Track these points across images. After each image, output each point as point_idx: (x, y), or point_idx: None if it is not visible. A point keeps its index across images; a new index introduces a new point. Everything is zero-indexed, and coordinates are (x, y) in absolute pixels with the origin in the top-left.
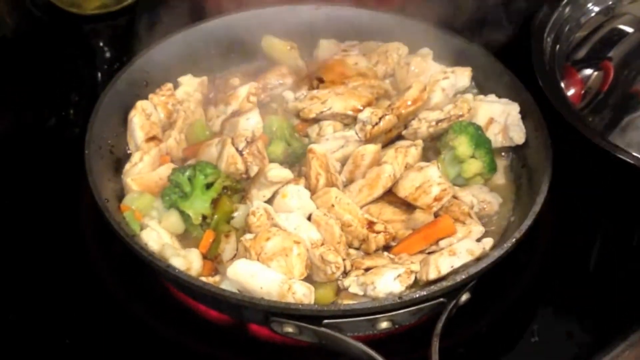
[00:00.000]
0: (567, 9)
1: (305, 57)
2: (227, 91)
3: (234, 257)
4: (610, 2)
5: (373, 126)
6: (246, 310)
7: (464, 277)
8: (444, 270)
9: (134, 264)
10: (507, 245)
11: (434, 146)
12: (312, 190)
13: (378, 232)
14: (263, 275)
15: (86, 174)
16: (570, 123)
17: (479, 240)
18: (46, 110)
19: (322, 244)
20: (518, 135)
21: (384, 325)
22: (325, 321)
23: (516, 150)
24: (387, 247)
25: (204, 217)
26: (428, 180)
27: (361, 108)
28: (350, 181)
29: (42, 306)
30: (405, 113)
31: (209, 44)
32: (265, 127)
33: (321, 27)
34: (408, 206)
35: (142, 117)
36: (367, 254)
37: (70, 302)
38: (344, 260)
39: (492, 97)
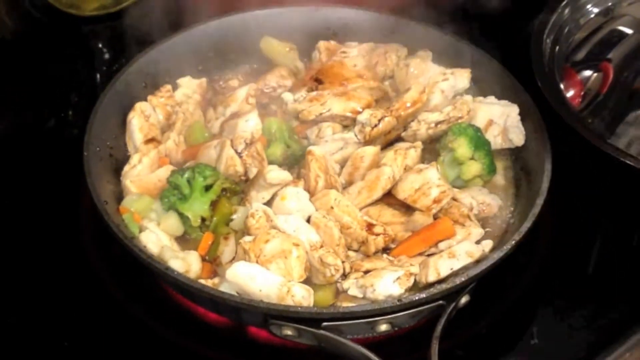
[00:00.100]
0: (567, 11)
1: (304, 58)
2: (226, 93)
3: (233, 260)
4: (609, 4)
5: (372, 128)
6: (245, 312)
7: (463, 279)
8: (444, 273)
9: (132, 266)
10: (507, 247)
11: (433, 148)
12: (311, 192)
13: (377, 234)
14: (262, 278)
15: (85, 176)
16: (570, 124)
17: (478, 242)
18: (45, 112)
19: (322, 246)
20: (517, 137)
21: (384, 327)
22: (325, 324)
23: (515, 152)
24: (386, 249)
25: (203, 219)
26: (427, 182)
27: (360, 110)
28: (349, 183)
29: (41, 308)
30: (405, 115)
31: (208, 46)
32: (264, 129)
33: (320, 28)
34: (407, 208)
35: (141, 119)
36: (367, 256)
37: (69, 304)
38: (343, 262)
39: (491, 98)
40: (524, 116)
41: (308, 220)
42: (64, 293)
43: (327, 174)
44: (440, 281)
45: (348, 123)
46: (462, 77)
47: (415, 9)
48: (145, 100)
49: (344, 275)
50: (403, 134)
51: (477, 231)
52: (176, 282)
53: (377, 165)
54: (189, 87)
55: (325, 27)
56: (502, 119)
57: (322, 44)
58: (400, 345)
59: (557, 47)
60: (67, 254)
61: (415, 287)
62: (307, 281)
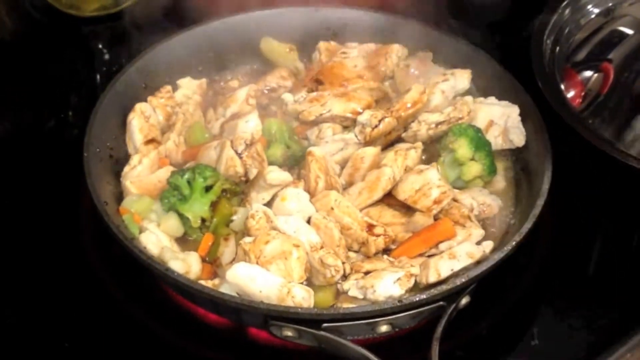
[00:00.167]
0: (567, 11)
1: (304, 59)
2: (226, 93)
3: (233, 261)
4: (610, 4)
5: (372, 129)
6: (245, 313)
7: (464, 280)
8: (444, 274)
9: (133, 267)
10: (507, 248)
11: (433, 149)
12: (312, 193)
13: (378, 235)
14: (262, 279)
15: (85, 177)
16: (570, 125)
17: (479, 243)
18: (45, 112)
19: (322, 247)
20: (518, 137)
21: (384, 328)
22: (325, 325)
23: (516, 153)
24: (386, 250)
25: (203, 220)
26: (428, 183)
27: (360, 110)
28: (349, 184)
29: (41, 309)
30: (405, 115)
31: (208, 46)
32: (265, 129)
33: (320, 29)
34: (408, 209)
35: (141, 120)
36: (367, 257)
37: (69, 305)
38: (343, 263)
39: (491, 99)
40: (524, 117)
41: (308, 221)
42: (64, 294)
43: (328, 175)
44: (440, 282)
45: (348, 124)
46: (462, 78)
47: (415, 10)
48: (146, 101)
49: (344, 276)
50: (403, 135)
51: (478, 232)
52: (176, 283)
53: (378, 166)
54: (189, 87)
55: (325, 28)
56: (502, 120)
57: (322, 45)
58: (401, 346)
59: (558, 48)
60: (67, 255)
61: (416, 288)
62: (307, 282)
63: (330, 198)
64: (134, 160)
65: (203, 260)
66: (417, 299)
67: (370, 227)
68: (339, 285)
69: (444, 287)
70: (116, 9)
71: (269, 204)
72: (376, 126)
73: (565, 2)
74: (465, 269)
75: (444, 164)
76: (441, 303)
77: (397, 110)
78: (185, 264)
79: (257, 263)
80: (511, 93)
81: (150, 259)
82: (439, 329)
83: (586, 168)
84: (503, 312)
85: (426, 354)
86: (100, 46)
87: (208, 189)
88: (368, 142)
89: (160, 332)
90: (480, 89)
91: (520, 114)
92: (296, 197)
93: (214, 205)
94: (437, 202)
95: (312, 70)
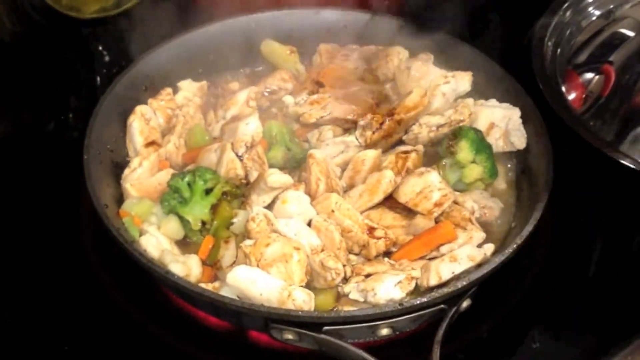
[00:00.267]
0: (568, 13)
1: (305, 61)
2: (226, 96)
3: (234, 263)
4: (611, 6)
5: (373, 131)
6: (246, 317)
7: (465, 283)
8: (445, 277)
9: (133, 270)
10: (508, 251)
11: (434, 151)
12: (312, 196)
13: (378, 238)
14: (263, 282)
15: (85, 179)
16: (571, 127)
17: (480, 246)
18: (45, 114)
19: (322, 250)
20: (519, 140)
21: (385, 331)
22: (326, 328)
23: (517, 155)
24: (387, 253)
25: (204, 223)
26: (429, 186)
27: (361, 113)
28: (350, 186)
29: (41, 312)
30: (406, 118)
31: (208, 49)
32: (265, 132)
33: (321, 31)
34: (408, 212)
35: (141, 122)
36: (368, 259)
37: (69, 308)
38: (344, 266)
39: (492, 101)
40: (525, 119)
41: (309, 224)
42: (64, 297)
43: (328, 178)
44: (441, 285)
45: (349, 126)
46: (463, 80)
47: (415, 12)
48: (146, 103)
49: (345, 279)
50: (404, 137)
51: (479, 235)
52: (176, 286)
53: (378, 169)
54: (190, 90)
55: (326, 30)
56: (503, 122)
57: (323, 47)
58: (402, 349)
59: (559, 50)
60: (67, 258)
61: (417, 291)
62: (308, 285)
63: (331, 201)
64: (134, 162)
65: (203, 263)
66: (418, 302)
67: (371, 230)
68: (339, 288)
69: (445, 290)
70: (116, 10)
71: (269, 206)
72: (377, 129)
73: (566, 4)
74: (466, 272)
75: (444, 167)
76: (442, 306)
77: (398, 113)
78: (186, 267)
79: (257, 266)
80: (512, 95)
81: (150, 262)
82: (440, 332)
83: (587, 170)
84: (504, 315)
85: (427, 357)
86: (100, 48)
87: (208, 191)
88: (369, 145)
89: (160, 335)
90: (481, 91)
91: (521, 116)
92: (297, 199)
93: (214, 208)
94: (438, 204)
95: (312, 73)
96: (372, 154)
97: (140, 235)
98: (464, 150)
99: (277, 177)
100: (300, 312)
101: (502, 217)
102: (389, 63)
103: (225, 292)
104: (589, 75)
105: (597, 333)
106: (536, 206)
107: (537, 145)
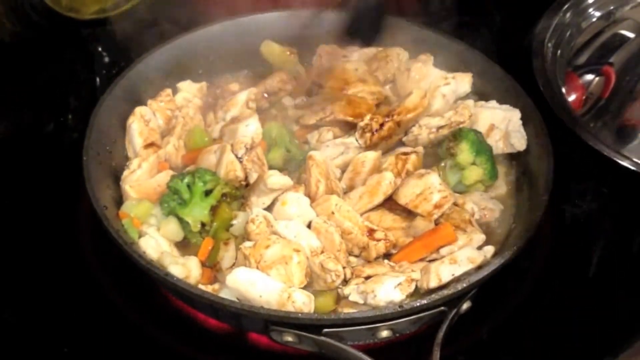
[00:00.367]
0: (568, 14)
1: (305, 62)
2: (226, 97)
3: (233, 265)
4: (611, 7)
5: (373, 133)
6: (245, 319)
7: (465, 285)
8: (445, 279)
9: (132, 272)
10: (509, 254)
11: (434, 153)
12: (312, 198)
13: (378, 240)
14: (262, 284)
15: (84, 180)
16: (572, 129)
17: (480, 247)
18: (45, 115)
19: (322, 252)
20: (519, 141)
21: (385, 334)
22: (325, 330)
23: (517, 157)
24: (387, 255)
25: (203, 225)
26: (429, 188)
27: (361, 114)
28: (350, 188)
29: (40, 313)
30: (406, 119)
31: (208, 50)
32: (265, 133)
33: (321, 32)
34: (408, 213)
35: (140, 123)
36: (368, 261)
37: (69, 310)
38: (344, 268)
39: (493, 103)
40: (525, 121)
41: (309, 226)
42: (63, 298)
43: (328, 179)
44: (441, 287)
45: (349, 128)
46: (463, 82)
47: (416, 13)
48: (145, 104)
49: (345, 281)
50: (404, 139)
51: (479, 237)
52: (176, 288)
53: (378, 170)
54: (189, 91)
55: (326, 31)
56: (503, 124)
57: (322, 48)
58: (402, 351)
59: (559, 51)
60: (66, 259)
61: (417, 293)
62: (307, 287)
63: (331, 202)
64: (134, 164)
65: (203, 264)
66: (418, 304)
67: (370, 232)
68: (339, 290)
69: (445, 292)
70: (115, 11)
71: (269, 208)
72: (377, 130)
73: (566, 6)
74: (466, 274)
75: (445, 169)
76: (442, 308)
77: (398, 114)
78: (185, 269)
79: (257, 268)
80: (512, 97)
81: (149, 264)
82: (440, 335)
83: (587, 171)
84: (504, 317)
85: (427, 359)
86: (99, 49)
87: (208, 193)
88: (369, 146)
89: (159, 337)
90: (481, 92)
91: (522, 118)
92: (297, 201)
93: (213, 210)
94: (438, 206)
95: (312, 74)
96: (372, 156)
97: (140, 236)
98: (464, 152)
99: (276, 179)
100: (300, 314)
101: (502, 218)
102: (388, 64)
103: (224, 294)
104: (589, 77)
105: (597, 335)
106: (536, 208)
107: (537, 147)
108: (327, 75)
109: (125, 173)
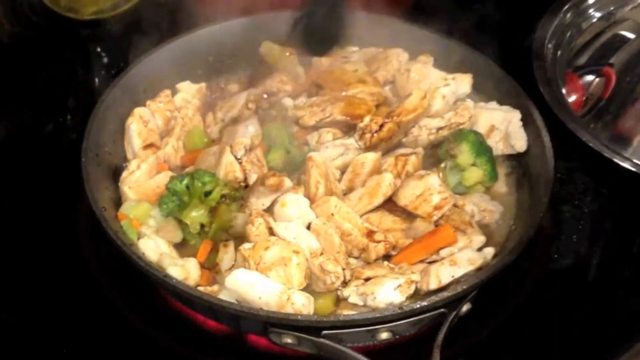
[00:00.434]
0: (569, 15)
1: (304, 63)
2: (225, 98)
3: (233, 267)
4: (611, 8)
5: (373, 134)
6: (244, 320)
7: (465, 287)
8: (445, 280)
9: (131, 273)
10: (509, 255)
11: (434, 154)
12: (312, 199)
13: (378, 242)
14: (262, 285)
15: (83, 182)
16: (572, 130)
17: (480, 249)
18: (43, 116)
19: (322, 254)
20: (519, 142)
21: (384, 335)
22: (325, 332)
23: (517, 158)
24: (387, 257)
25: (202, 226)
26: (429, 189)
27: (361, 115)
28: (350, 189)
29: (39, 315)
30: (406, 120)
31: (207, 51)
32: (264, 134)
33: None
34: (408, 215)
35: (139, 124)
36: (367, 263)
37: (68, 311)
38: (343, 269)
39: (493, 104)
40: (525, 122)
41: (308, 227)
42: (62, 300)
43: (328, 180)
44: (441, 289)
45: (349, 129)
46: (463, 82)
47: (416, 14)
48: (144, 105)
49: (345, 283)
50: (404, 140)
51: (479, 238)
52: (175, 289)
53: (378, 172)
54: (188, 91)
55: None
56: (503, 125)
57: None
58: (401, 353)
59: (559, 52)
60: (65, 260)
61: (417, 294)
62: (307, 289)
63: (331, 204)
64: (133, 165)
65: (202, 266)
66: (418, 306)
67: (370, 233)
68: (339, 292)
69: (445, 294)
70: (114, 12)
71: (268, 209)
72: (377, 131)
73: (566, 6)
74: (466, 276)
75: (445, 170)
76: (442, 310)
77: (397, 115)
78: (184, 270)
79: (256, 269)
80: (512, 98)
81: (148, 265)
82: (440, 336)
83: (587, 172)
84: (504, 319)
85: None
86: (98, 49)
87: (207, 194)
88: (368, 148)
89: (158, 338)
90: (481, 93)
91: (522, 119)
92: (296, 202)
93: (213, 211)
94: (437, 208)
95: (312, 75)
96: (372, 157)
97: (139, 238)
98: (464, 153)
99: (276, 180)
100: (299, 316)
101: (502, 220)
102: (388, 65)
103: (223, 296)
104: (590, 78)
105: (598, 336)
106: (537, 209)
107: (538, 148)
108: (327, 76)
109: (124, 174)
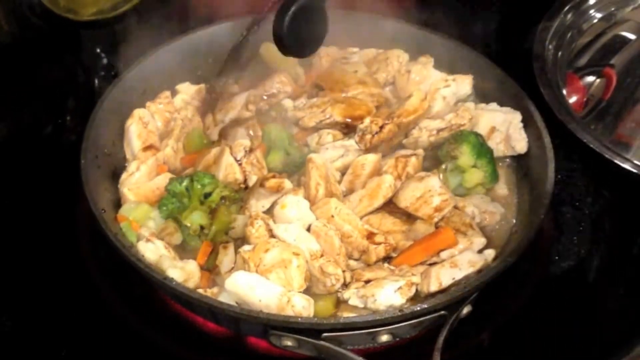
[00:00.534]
0: (569, 16)
1: (304, 64)
2: (225, 99)
3: (233, 269)
4: (612, 9)
5: (373, 135)
6: (244, 323)
7: (465, 289)
8: (445, 283)
9: (130, 275)
10: (509, 257)
11: (434, 155)
12: (312, 201)
13: (378, 243)
14: (262, 288)
15: (82, 183)
16: (573, 131)
17: (480, 251)
18: (43, 117)
19: (322, 256)
20: (520, 144)
21: (385, 338)
22: (325, 334)
23: (518, 160)
24: (387, 258)
25: (202, 228)
26: (429, 191)
27: (361, 116)
28: (350, 191)
29: (38, 317)
30: (406, 122)
31: (207, 51)
32: (264, 135)
33: None
34: (408, 217)
35: (139, 126)
36: (368, 265)
37: (67, 313)
38: (343, 272)
39: (493, 105)
40: (526, 123)
41: (308, 229)
42: (61, 302)
43: (328, 182)
44: (442, 291)
45: (349, 130)
46: (464, 84)
47: (416, 14)
48: (144, 106)
49: (345, 285)
50: (404, 141)
51: (479, 240)
52: (174, 291)
53: (378, 173)
54: (188, 93)
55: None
56: (504, 126)
57: (322, 50)
58: (402, 356)
59: (560, 53)
60: (64, 262)
61: (417, 297)
62: (307, 291)
63: (331, 205)
64: (132, 167)
65: (202, 268)
66: (418, 308)
67: (370, 235)
68: (339, 294)
69: (446, 297)
70: (114, 13)
71: (268, 211)
72: (377, 133)
73: (567, 7)
74: (467, 278)
75: (445, 171)
76: (442, 312)
77: (398, 117)
78: (184, 272)
79: (256, 271)
80: (513, 99)
81: (148, 267)
82: (440, 339)
83: (588, 174)
84: (505, 321)
85: None
86: (98, 50)
87: (207, 196)
88: (369, 149)
89: (158, 340)
90: (481, 94)
91: (522, 120)
92: (296, 204)
93: (212, 213)
94: (438, 209)
95: (312, 76)
96: (372, 158)
97: (138, 240)
98: (465, 155)
99: (276, 182)
100: (299, 319)
101: (503, 222)
102: (388, 66)
103: (223, 298)
104: (590, 79)
105: (598, 339)
106: (537, 211)
107: (538, 149)
108: (327, 77)
109: (124, 176)
